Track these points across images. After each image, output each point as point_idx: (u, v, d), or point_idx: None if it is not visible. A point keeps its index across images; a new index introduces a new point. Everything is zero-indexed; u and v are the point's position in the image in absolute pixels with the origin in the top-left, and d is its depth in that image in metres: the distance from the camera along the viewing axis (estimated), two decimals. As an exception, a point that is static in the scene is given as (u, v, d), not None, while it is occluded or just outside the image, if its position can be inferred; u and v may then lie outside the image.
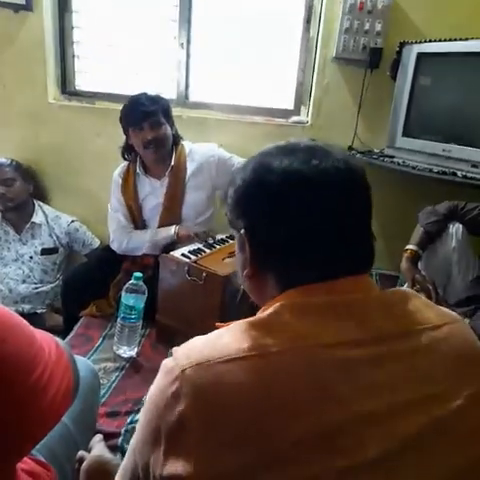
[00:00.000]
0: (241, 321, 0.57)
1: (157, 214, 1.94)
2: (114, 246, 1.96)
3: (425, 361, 0.56)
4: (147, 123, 1.80)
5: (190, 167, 1.92)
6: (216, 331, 0.58)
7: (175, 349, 0.56)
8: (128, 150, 1.94)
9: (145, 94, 1.85)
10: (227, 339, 0.54)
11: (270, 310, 0.57)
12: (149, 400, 0.55)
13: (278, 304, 0.57)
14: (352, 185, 0.61)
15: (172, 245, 1.87)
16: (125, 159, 1.96)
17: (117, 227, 1.95)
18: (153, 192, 1.95)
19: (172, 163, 1.90)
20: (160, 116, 1.83)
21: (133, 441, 0.57)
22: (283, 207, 0.59)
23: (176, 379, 0.51)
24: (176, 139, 1.93)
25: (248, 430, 0.48)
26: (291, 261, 0.60)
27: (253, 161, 0.65)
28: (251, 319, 0.57)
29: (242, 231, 0.63)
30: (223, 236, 1.89)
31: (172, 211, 1.93)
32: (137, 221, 1.97)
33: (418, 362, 0.55)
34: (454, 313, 0.63)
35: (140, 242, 1.91)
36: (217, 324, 0.64)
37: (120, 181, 1.95)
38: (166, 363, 0.55)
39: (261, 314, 0.58)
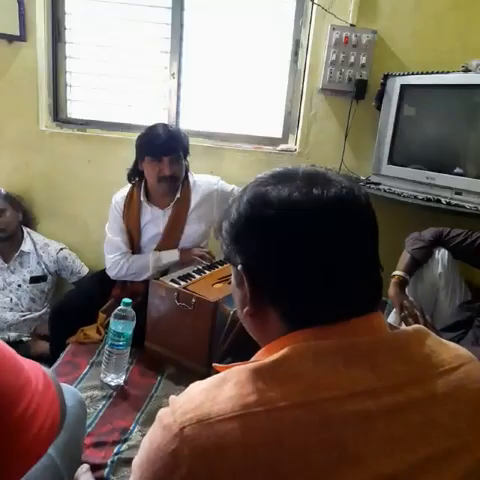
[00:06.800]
0: (243, 366, 0.52)
1: (154, 243, 1.94)
2: (112, 273, 1.91)
3: (444, 411, 0.53)
4: (167, 158, 1.77)
5: (194, 199, 1.92)
6: (216, 377, 0.53)
7: (172, 399, 0.53)
8: (135, 174, 1.90)
9: (168, 127, 1.83)
10: (229, 391, 0.50)
11: (277, 355, 0.52)
12: (145, 455, 0.50)
13: (286, 348, 0.52)
14: (358, 217, 0.57)
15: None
16: (130, 182, 1.92)
17: (116, 254, 1.90)
18: (153, 221, 1.93)
19: (178, 195, 1.89)
20: (180, 153, 1.82)
21: None
22: (284, 243, 0.54)
23: (174, 438, 0.48)
24: (186, 172, 1.92)
25: None
26: (296, 300, 0.55)
27: (248, 191, 0.59)
28: (256, 365, 0.52)
29: (240, 267, 0.59)
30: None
31: (170, 241, 1.93)
32: (135, 247, 1.95)
33: (437, 412, 0.52)
34: (465, 350, 0.60)
35: (142, 268, 1.89)
36: (215, 365, 0.60)
37: (122, 206, 1.91)
38: (163, 416, 0.51)
39: (266, 358, 0.53)
